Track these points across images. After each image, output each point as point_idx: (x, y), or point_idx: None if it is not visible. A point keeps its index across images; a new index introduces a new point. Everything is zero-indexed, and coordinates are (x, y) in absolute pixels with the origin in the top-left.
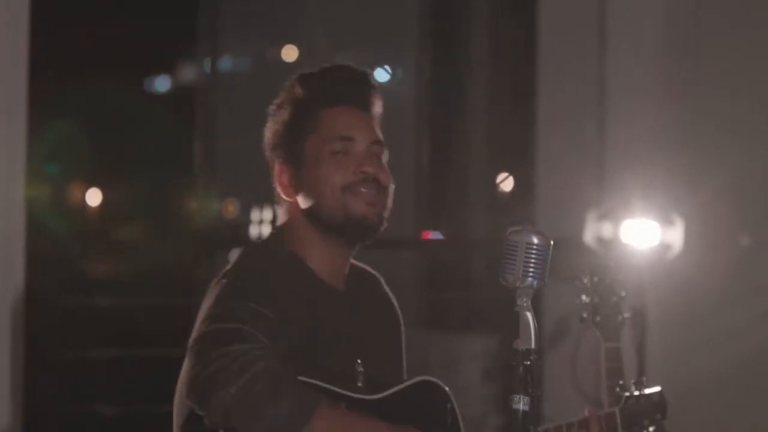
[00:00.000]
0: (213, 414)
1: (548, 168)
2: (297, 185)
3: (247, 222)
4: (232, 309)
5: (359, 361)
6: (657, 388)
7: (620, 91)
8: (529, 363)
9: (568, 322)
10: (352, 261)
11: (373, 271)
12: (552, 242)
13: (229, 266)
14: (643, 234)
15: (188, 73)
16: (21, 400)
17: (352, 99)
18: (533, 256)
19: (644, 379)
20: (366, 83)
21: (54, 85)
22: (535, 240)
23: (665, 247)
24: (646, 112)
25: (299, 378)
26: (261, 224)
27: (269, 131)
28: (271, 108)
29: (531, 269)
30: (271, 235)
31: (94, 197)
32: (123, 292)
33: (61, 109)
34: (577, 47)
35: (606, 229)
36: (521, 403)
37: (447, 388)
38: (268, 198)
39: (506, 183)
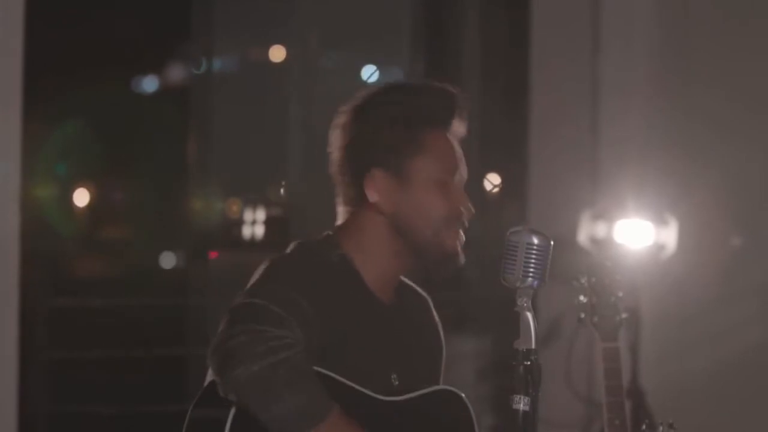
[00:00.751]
0: (229, 384)
1: (541, 167)
2: (394, 199)
3: (241, 222)
4: (272, 290)
5: (394, 375)
6: None
7: (613, 90)
8: (529, 363)
9: (560, 321)
10: (403, 279)
11: (423, 293)
12: (552, 242)
13: (280, 254)
14: (636, 234)
15: (182, 72)
16: (14, 400)
17: (449, 124)
18: (533, 256)
19: (672, 422)
20: (461, 108)
21: (50, 84)
22: (536, 240)
23: (659, 247)
24: (640, 112)
25: (321, 370)
26: (254, 224)
27: (360, 130)
28: (362, 106)
29: (531, 269)
30: (326, 237)
31: (88, 198)
32: (116, 292)
33: (56, 109)
34: (570, 46)
35: (599, 229)
36: (522, 404)
37: (463, 395)
38: (261, 198)
39: (482, 181)
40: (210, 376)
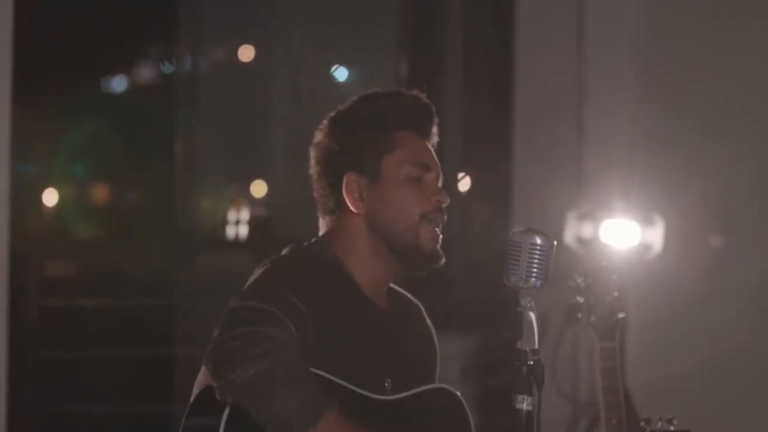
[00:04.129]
0: (225, 387)
1: (526, 167)
2: (368, 199)
3: (225, 222)
4: (268, 292)
5: (388, 381)
6: (685, 428)
7: (598, 90)
8: (532, 363)
9: (546, 321)
10: (393, 286)
11: (414, 300)
12: (555, 243)
13: (276, 257)
14: (623, 234)
15: (166, 72)
16: (3, 401)
17: (419, 127)
18: (537, 256)
19: (671, 417)
20: (431, 114)
21: (38, 84)
22: (539, 240)
23: (645, 247)
24: (626, 111)
25: (315, 371)
26: (238, 225)
27: (333, 140)
28: (334, 118)
29: (535, 270)
30: (317, 240)
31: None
32: (105, 293)
33: (44, 109)
34: (555, 46)
35: (585, 230)
36: (524, 403)
37: (459, 394)
38: (247, 198)
39: (463, 182)
40: (198, 385)
